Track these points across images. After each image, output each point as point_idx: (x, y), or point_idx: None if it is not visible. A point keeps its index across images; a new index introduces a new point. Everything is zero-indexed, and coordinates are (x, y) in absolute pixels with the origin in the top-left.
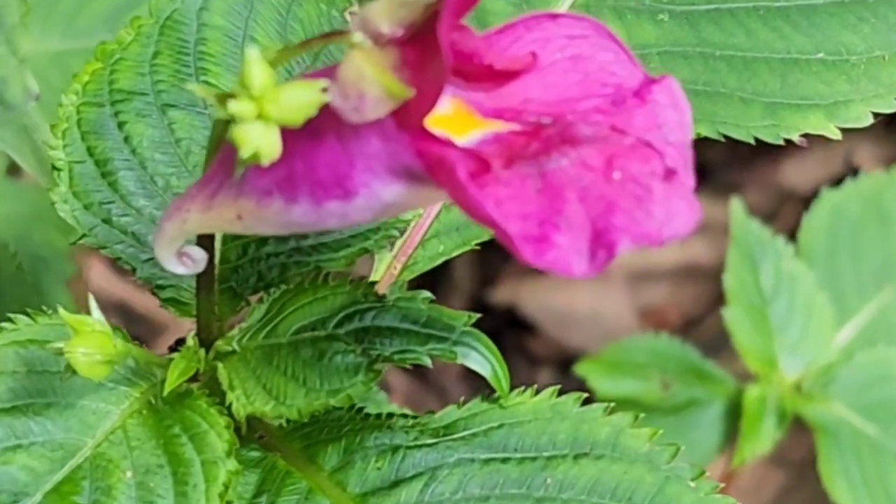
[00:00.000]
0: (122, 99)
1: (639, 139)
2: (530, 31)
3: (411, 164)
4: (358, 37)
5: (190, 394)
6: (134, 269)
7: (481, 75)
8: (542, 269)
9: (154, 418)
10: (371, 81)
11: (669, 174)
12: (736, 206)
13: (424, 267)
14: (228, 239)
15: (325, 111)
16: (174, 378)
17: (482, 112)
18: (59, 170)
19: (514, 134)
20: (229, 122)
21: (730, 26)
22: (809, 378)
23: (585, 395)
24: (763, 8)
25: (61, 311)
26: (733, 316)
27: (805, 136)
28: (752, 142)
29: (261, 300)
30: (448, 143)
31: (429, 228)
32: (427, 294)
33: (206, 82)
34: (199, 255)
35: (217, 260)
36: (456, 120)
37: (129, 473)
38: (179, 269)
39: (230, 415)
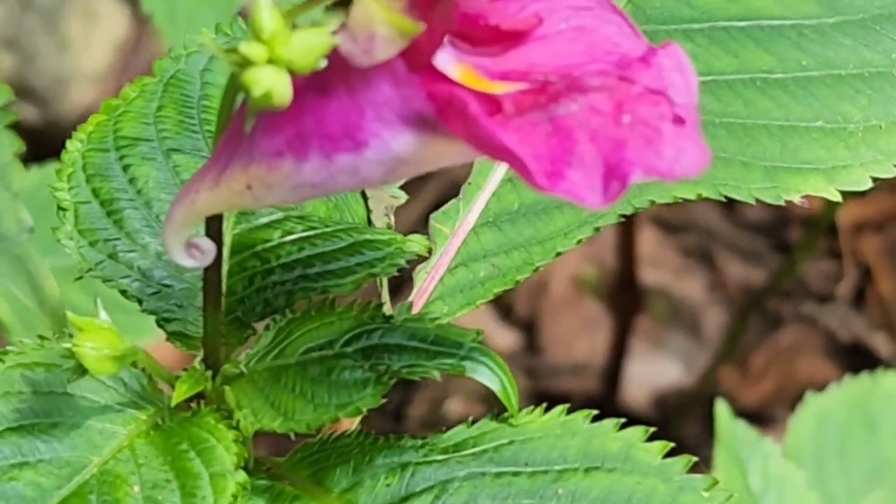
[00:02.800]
0: (126, 144)
1: (647, 87)
2: (535, 0)
3: (422, 108)
4: None
5: (197, 413)
6: (140, 302)
7: (487, 38)
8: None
9: (161, 437)
10: (380, 21)
11: (678, 120)
12: (721, 408)
13: None
14: (234, 271)
15: (335, 63)
16: (181, 393)
17: (489, 76)
18: (64, 209)
19: (521, 93)
20: (238, 88)
21: (727, 97)
22: None
23: (596, 411)
24: (760, 80)
25: (68, 313)
26: None
27: (806, 197)
28: (753, 202)
29: (267, 327)
30: (458, 84)
31: (433, 291)
32: (434, 314)
33: (210, 132)
34: (208, 246)
35: (223, 294)
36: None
37: (136, 488)
38: (188, 262)
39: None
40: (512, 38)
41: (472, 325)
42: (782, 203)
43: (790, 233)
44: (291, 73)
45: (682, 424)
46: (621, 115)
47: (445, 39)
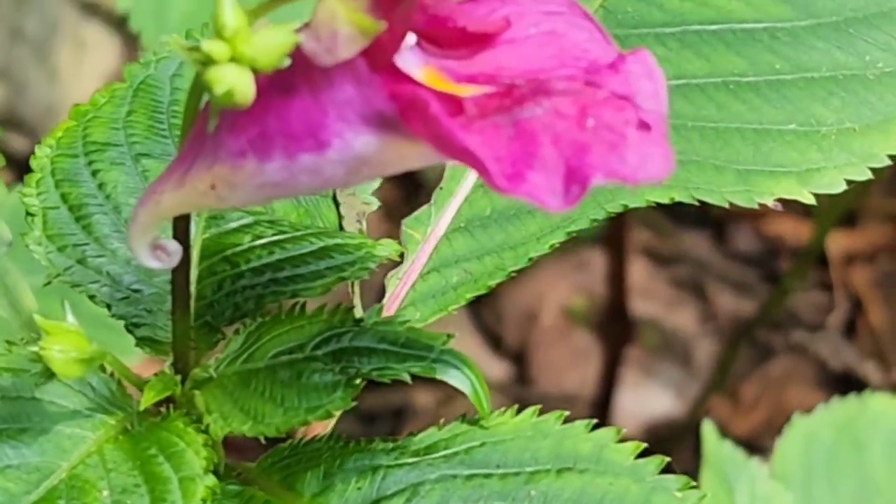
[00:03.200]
0: (95, 150)
1: (613, 93)
2: (505, 3)
3: (384, 108)
4: None
5: (167, 417)
6: (109, 307)
7: (454, 40)
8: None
9: (130, 442)
10: (343, 20)
11: (643, 125)
12: (708, 429)
13: None
14: (204, 275)
15: (298, 62)
16: (150, 397)
17: (455, 78)
18: (32, 215)
19: (486, 96)
20: (203, 88)
21: (699, 100)
22: None
23: (567, 412)
24: (733, 83)
25: (35, 316)
26: None
27: (779, 200)
28: (727, 205)
29: (237, 331)
30: (420, 84)
31: (405, 297)
32: (405, 317)
33: (179, 136)
34: (174, 247)
35: (193, 298)
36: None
37: (105, 493)
38: (153, 263)
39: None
40: (480, 41)
41: (462, 351)
42: (755, 206)
43: (780, 264)
44: (254, 71)
45: (672, 455)
46: (585, 120)
47: (412, 41)
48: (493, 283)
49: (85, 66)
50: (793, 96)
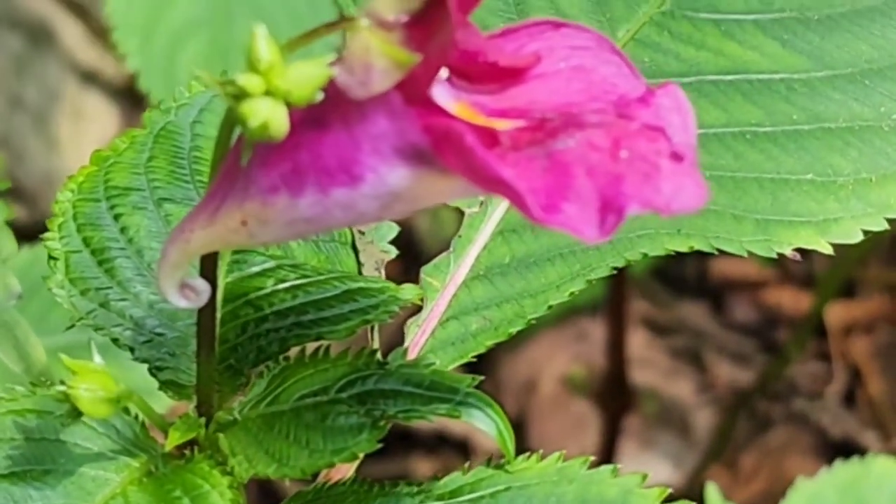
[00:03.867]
0: (117, 194)
1: (645, 124)
2: (533, 39)
3: (419, 141)
4: (364, 21)
5: (191, 459)
6: (132, 350)
7: (486, 74)
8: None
9: (155, 484)
10: (377, 53)
11: (676, 156)
12: (712, 492)
13: None
14: (227, 319)
15: (331, 96)
16: (175, 438)
17: (487, 113)
18: (55, 259)
19: (519, 130)
20: (233, 124)
21: (717, 150)
22: None
23: (592, 457)
24: (750, 133)
25: (62, 355)
26: None
27: (798, 251)
28: (745, 255)
29: (261, 374)
30: (454, 117)
31: (425, 344)
32: (429, 360)
33: (202, 181)
34: (202, 286)
35: (216, 341)
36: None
37: None
38: (182, 303)
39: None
40: (510, 76)
41: (459, 426)
42: (774, 255)
43: (778, 334)
44: (288, 105)
45: None
46: (619, 151)
47: (443, 76)
48: (513, 330)
49: (84, 135)
50: (810, 146)
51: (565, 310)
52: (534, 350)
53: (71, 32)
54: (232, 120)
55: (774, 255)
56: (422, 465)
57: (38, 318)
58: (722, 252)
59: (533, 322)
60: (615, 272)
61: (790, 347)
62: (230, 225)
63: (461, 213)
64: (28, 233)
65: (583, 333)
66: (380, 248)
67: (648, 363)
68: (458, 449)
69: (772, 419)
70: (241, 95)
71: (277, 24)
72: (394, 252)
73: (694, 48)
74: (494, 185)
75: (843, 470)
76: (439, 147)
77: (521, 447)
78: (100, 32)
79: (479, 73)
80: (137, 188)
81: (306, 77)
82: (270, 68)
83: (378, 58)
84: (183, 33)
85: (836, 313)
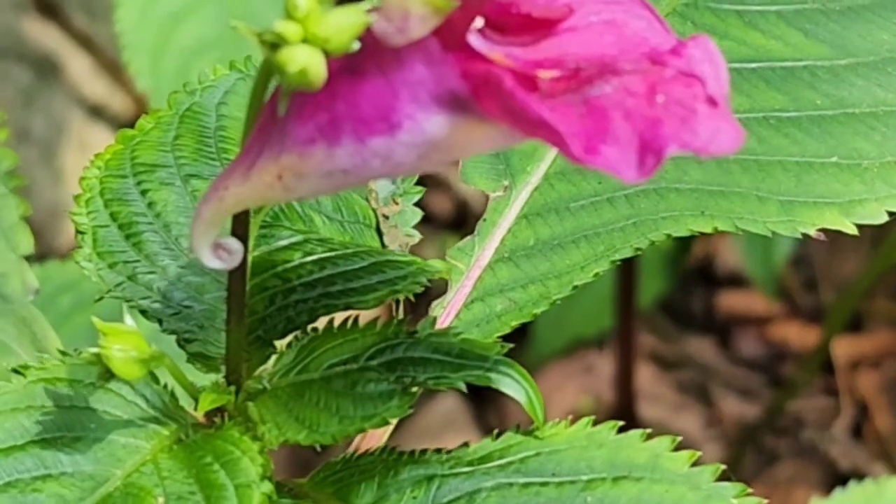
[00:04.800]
0: (144, 171)
1: (679, 70)
2: None
3: (456, 87)
4: None
5: (221, 427)
6: (161, 322)
7: (519, 26)
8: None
9: (185, 452)
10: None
11: (711, 101)
12: None
13: None
14: (255, 291)
15: (367, 45)
16: (205, 404)
17: (521, 64)
18: (82, 233)
19: (554, 80)
20: (268, 78)
21: None
22: None
23: (621, 422)
24: (774, 118)
25: (94, 318)
26: None
27: (822, 230)
28: (770, 235)
29: (289, 345)
30: (493, 62)
31: (450, 325)
32: (458, 329)
33: (228, 159)
34: (236, 246)
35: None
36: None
37: (160, 500)
38: (215, 263)
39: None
40: (544, 28)
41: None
42: (799, 236)
43: (785, 369)
44: (325, 53)
45: None
46: (655, 96)
47: (476, 27)
48: (537, 310)
49: None
50: (834, 131)
51: (573, 343)
52: (542, 383)
53: (78, 66)
54: (267, 74)
55: (799, 235)
56: None
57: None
58: (732, 283)
59: (558, 302)
60: (639, 252)
61: (797, 381)
62: (266, 179)
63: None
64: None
65: (590, 367)
66: (404, 231)
67: (656, 397)
68: None
69: (779, 453)
70: (278, 43)
71: None
72: (417, 236)
73: (717, 38)
74: (535, 127)
75: (856, 491)
76: (478, 93)
77: None
78: (107, 66)
79: (513, 25)
80: (164, 165)
81: (344, 24)
82: (308, 15)
83: (415, 4)
84: (193, 53)
85: (843, 347)
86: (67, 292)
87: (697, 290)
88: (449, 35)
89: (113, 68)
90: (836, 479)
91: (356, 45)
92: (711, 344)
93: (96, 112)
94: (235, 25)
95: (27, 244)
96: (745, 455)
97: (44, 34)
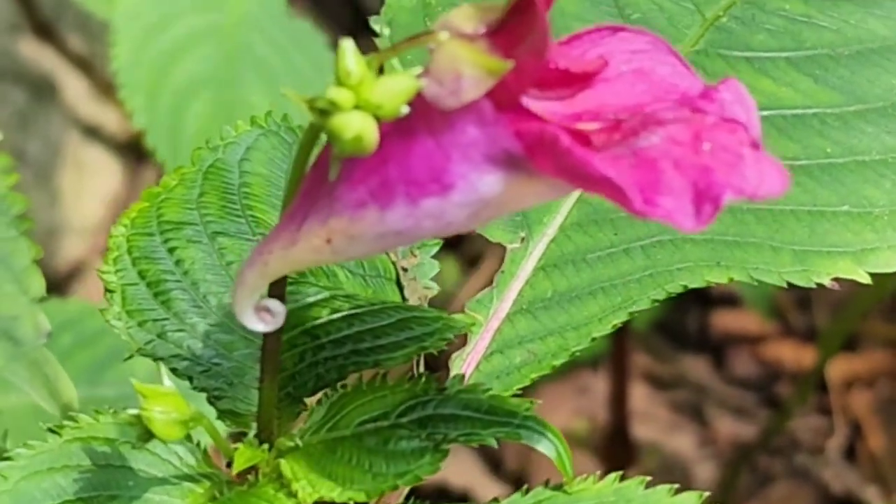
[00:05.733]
0: (171, 228)
1: (720, 117)
2: (595, 44)
3: (510, 146)
4: (444, 34)
5: (254, 484)
6: (191, 380)
7: (557, 81)
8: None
9: None
10: (467, 61)
11: (755, 145)
12: None
13: None
14: (284, 348)
15: (416, 108)
16: (241, 462)
17: (559, 119)
18: (111, 291)
19: (596, 132)
20: (314, 139)
21: None
22: None
23: (649, 478)
24: (786, 166)
25: (132, 380)
26: None
27: (836, 280)
28: (785, 285)
29: (319, 402)
30: (545, 120)
31: (470, 377)
32: (486, 385)
33: (253, 217)
34: (278, 308)
35: None
36: None
37: None
38: (259, 326)
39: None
40: (580, 81)
41: (460, 480)
42: (813, 286)
43: (780, 389)
44: (376, 119)
45: None
46: (701, 144)
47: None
48: (557, 363)
49: (86, 188)
50: (845, 179)
51: (567, 364)
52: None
53: (74, 87)
54: (311, 139)
55: (813, 285)
56: None
57: None
58: (726, 303)
59: (577, 354)
60: (656, 304)
61: (791, 402)
62: (314, 243)
63: (465, 268)
64: None
65: (584, 387)
66: (422, 284)
67: (650, 417)
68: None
69: (773, 473)
70: (330, 110)
71: (280, 83)
72: (436, 288)
73: None
74: (594, 183)
75: None
76: (532, 151)
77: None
78: (103, 87)
79: (552, 80)
80: (190, 222)
81: (396, 90)
82: (360, 82)
83: (468, 67)
84: (188, 92)
85: (838, 367)
86: (68, 330)
87: (692, 309)
88: (502, 95)
89: (109, 90)
90: (830, 501)
91: (406, 109)
92: (705, 363)
93: (92, 133)
94: (286, 93)
95: (39, 287)
96: (739, 475)
97: (40, 55)
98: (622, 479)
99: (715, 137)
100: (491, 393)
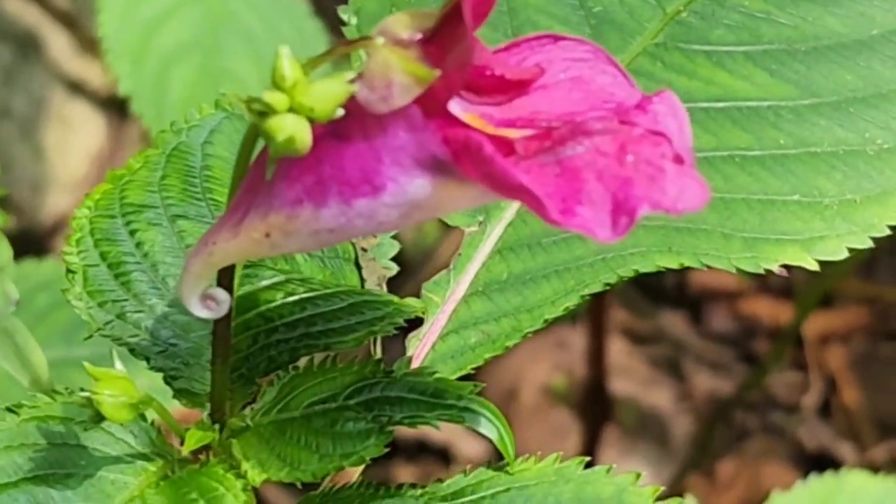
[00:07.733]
0: (133, 211)
1: (647, 129)
2: (534, 52)
3: (438, 151)
4: (380, 40)
5: (206, 464)
6: (148, 360)
7: (493, 87)
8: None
9: (171, 487)
10: (397, 69)
11: (678, 159)
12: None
13: None
14: (239, 330)
15: (351, 111)
16: (192, 443)
17: (494, 123)
18: (73, 272)
19: (527, 139)
20: (255, 140)
21: (707, 172)
22: None
23: (588, 458)
24: (739, 156)
25: (85, 363)
26: None
27: (784, 266)
28: (734, 271)
29: (271, 383)
30: (472, 127)
31: (426, 356)
32: (433, 368)
33: (213, 200)
34: (223, 296)
35: None
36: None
37: None
38: (203, 313)
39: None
40: (516, 88)
41: (440, 434)
42: (762, 271)
43: (757, 344)
44: (310, 121)
45: None
46: (625, 156)
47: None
48: (510, 343)
49: (71, 144)
50: (797, 169)
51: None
52: (514, 359)
53: (58, 43)
54: (253, 136)
55: (762, 271)
56: (402, 472)
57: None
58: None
59: (529, 336)
60: (608, 287)
61: (768, 358)
62: (254, 236)
63: (446, 226)
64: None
65: (563, 342)
66: (381, 264)
67: (628, 372)
68: (439, 456)
69: (749, 428)
70: (266, 112)
71: (266, 50)
72: (395, 268)
73: (686, 77)
74: (514, 191)
75: (817, 484)
76: (458, 157)
77: (501, 454)
78: (87, 43)
79: (488, 86)
80: (152, 205)
81: (329, 93)
82: (294, 85)
83: (399, 74)
84: (173, 57)
85: (814, 323)
86: (43, 291)
87: None
88: (430, 102)
89: (93, 46)
90: (805, 455)
91: (340, 112)
92: (683, 319)
93: (76, 89)
94: (224, 93)
95: (6, 255)
96: (715, 430)
97: (24, 11)
98: (600, 435)
99: (639, 150)
100: (437, 376)
